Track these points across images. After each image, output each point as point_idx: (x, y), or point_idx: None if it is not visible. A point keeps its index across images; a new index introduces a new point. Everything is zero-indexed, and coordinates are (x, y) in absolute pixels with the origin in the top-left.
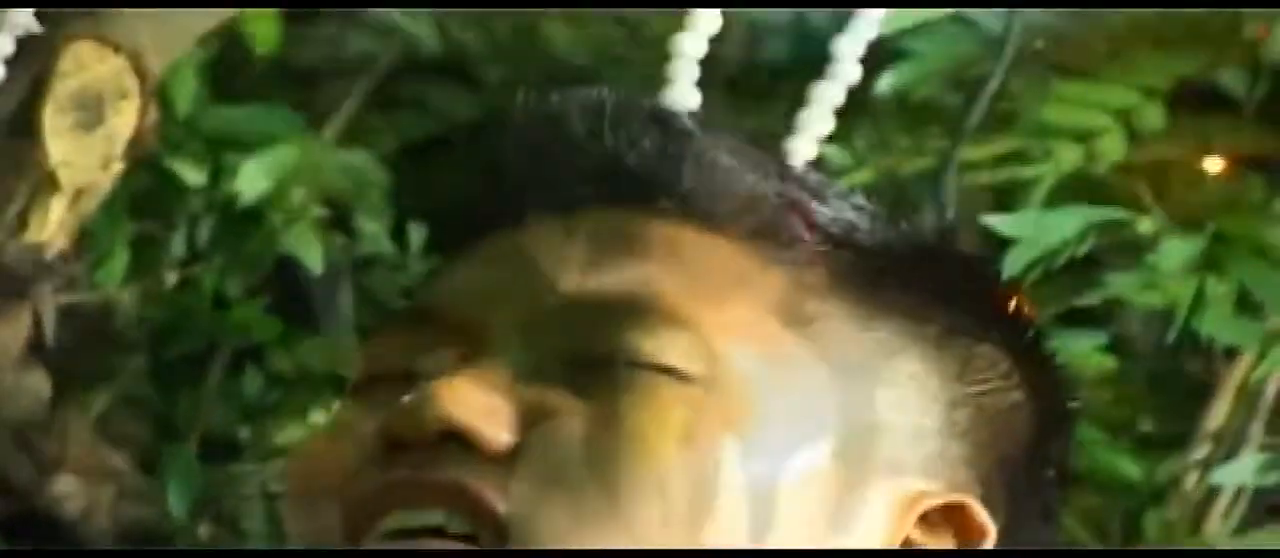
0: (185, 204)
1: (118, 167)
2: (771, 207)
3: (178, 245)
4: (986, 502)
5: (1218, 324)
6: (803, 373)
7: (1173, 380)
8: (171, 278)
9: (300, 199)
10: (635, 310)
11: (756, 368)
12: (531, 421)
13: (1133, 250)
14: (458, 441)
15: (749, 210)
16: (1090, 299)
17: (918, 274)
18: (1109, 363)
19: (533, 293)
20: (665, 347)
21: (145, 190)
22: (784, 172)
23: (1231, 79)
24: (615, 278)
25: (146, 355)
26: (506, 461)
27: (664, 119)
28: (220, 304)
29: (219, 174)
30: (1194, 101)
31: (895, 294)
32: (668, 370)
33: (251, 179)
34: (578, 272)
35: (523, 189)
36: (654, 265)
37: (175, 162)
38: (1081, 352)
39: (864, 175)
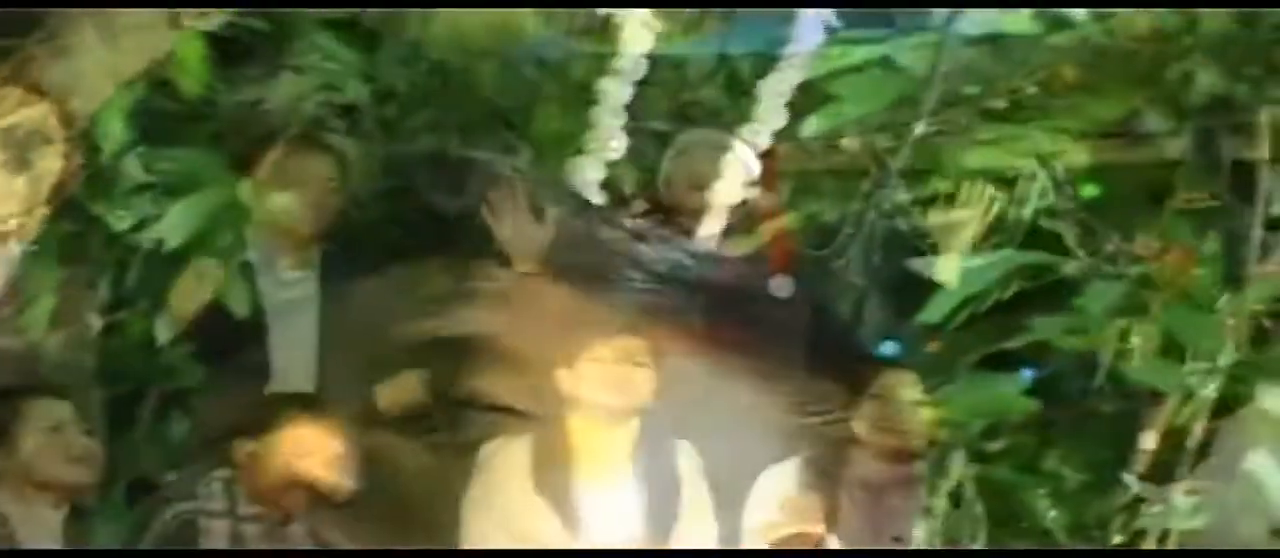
0: (112, 249)
1: (42, 211)
2: (600, 252)
3: (104, 290)
4: (834, 528)
5: (1143, 368)
6: (644, 406)
7: (1098, 424)
8: (97, 323)
9: (227, 243)
10: (476, 354)
11: (598, 403)
12: (375, 464)
13: (1058, 294)
14: (305, 487)
15: (580, 256)
16: (1016, 343)
17: (751, 311)
18: (1033, 406)
19: (375, 340)
20: (505, 387)
21: (72, 235)
22: (612, 218)
23: (1157, 122)
24: (456, 323)
25: (74, 400)
26: (351, 505)
27: (493, 173)
28: (147, 348)
29: (145, 219)
30: (1120, 144)
31: (731, 330)
32: (508, 410)
33: (177, 224)
34: (420, 319)
35: (372, 241)
36: (492, 310)
37: (101, 206)
38: (1006, 395)
39: (790, 218)
